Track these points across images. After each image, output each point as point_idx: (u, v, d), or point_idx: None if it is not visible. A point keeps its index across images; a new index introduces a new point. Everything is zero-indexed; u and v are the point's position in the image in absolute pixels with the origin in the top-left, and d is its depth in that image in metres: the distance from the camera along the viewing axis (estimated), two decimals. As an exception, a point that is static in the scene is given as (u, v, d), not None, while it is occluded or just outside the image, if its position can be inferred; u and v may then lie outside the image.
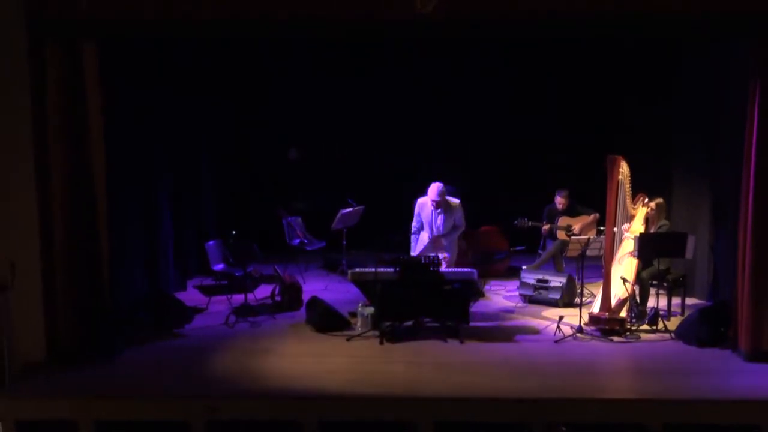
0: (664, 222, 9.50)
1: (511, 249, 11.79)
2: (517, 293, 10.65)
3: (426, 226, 9.71)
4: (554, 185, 11.19)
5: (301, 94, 12.85)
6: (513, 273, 11.57)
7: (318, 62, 12.54)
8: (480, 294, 10.58)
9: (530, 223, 10.97)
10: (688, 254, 9.22)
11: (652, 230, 9.37)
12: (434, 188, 9.63)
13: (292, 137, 12.99)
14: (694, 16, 7.76)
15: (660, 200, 9.50)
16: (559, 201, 11.03)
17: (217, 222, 12.08)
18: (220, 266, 10.44)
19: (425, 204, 9.73)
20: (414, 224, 9.78)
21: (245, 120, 13.05)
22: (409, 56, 12.12)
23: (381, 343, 8.71)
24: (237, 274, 10.28)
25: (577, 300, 9.66)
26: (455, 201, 9.78)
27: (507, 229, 11.62)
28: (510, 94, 12.83)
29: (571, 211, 11.03)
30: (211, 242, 10.54)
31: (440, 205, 9.62)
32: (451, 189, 10.93)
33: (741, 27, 7.82)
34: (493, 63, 12.41)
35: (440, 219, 9.64)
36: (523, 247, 11.56)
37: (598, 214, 10.74)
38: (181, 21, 7.89)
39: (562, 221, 10.96)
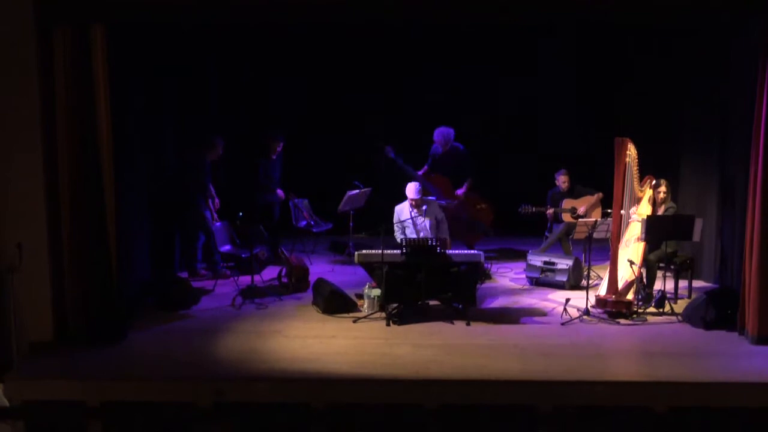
0: (671, 205, 9.48)
1: (485, 231, 11.68)
2: (523, 276, 10.65)
3: (409, 233, 9.64)
4: (557, 168, 11.15)
5: (303, 78, 12.84)
6: (519, 255, 11.56)
7: (319, 47, 12.53)
8: (487, 276, 10.60)
9: (534, 209, 10.94)
10: (696, 237, 9.22)
11: (659, 213, 9.34)
12: (412, 187, 9.65)
13: (297, 121, 12.96)
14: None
15: (665, 183, 9.47)
16: (562, 180, 10.98)
17: (225, 204, 12.04)
18: (227, 247, 10.46)
19: (403, 210, 9.70)
20: (397, 236, 9.67)
21: (252, 103, 13.02)
22: (410, 38, 12.09)
23: (388, 325, 8.72)
24: (243, 255, 10.30)
25: (584, 282, 9.64)
26: (429, 198, 9.80)
27: (499, 213, 11.62)
28: (514, 76, 12.77)
29: (573, 193, 11.00)
30: (218, 223, 10.55)
31: (419, 203, 9.58)
32: (459, 146, 11.00)
33: (752, 6, 7.78)
34: (495, 44, 12.33)
35: (422, 222, 9.61)
36: (494, 255, 11.59)
37: (601, 194, 10.73)
38: (189, 5, 7.91)
39: (567, 204, 10.93)
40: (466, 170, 11.48)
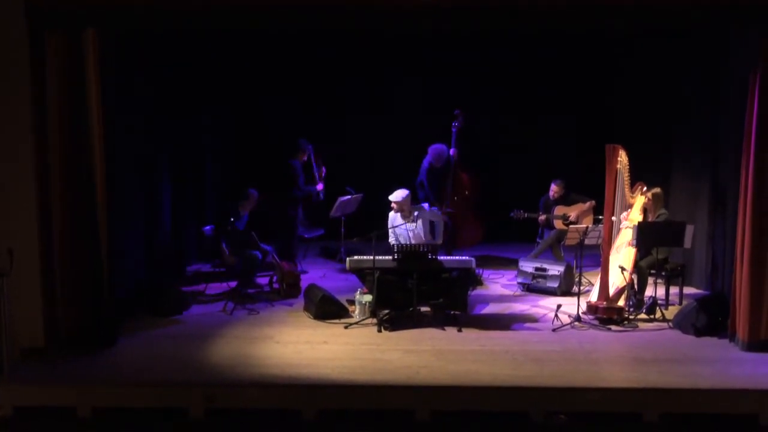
0: (662, 211, 9.50)
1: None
2: (515, 282, 10.66)
3: (403, 240, 9.58)
4: (551, 175, 11.18)
5: (299, 86, 12.92)
6: (511, 262, 11.58)
7: (315, 55, 12.62)
8: (478, 282, 10.61)
9: (526, 214, 10.96)
10: (687, 243, 9.24)
11: (650, 219, 9.36)
12: (397, 193, 9.66)
13: (291, 127, 13.02)
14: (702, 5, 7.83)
15: (658, 190, 9.49)
16: (554, 189, 11.03)
17: (216, 209, 12.05)
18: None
19: (397, 216, 9.68)
20: (391, 240, 9.63)
21: (246, 109, 13.07)
22: (405, 47, 12.14)
23: (379, 330, 8.73)
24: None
25: (575, 289, 9.66)
26: (421, 206, 9.81)
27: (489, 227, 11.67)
28: (506, 81, 12.85)
29: (567, 200, 11.03)
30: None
31: (400, 207, 9.56)
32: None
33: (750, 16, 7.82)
34: (490, 49, 12.37)
35: (413, 228, 9.57)
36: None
37: (594, 202, 10.76)
38: (179, 10, 7.91)
39: (558, 210, 10.97)
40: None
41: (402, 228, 9.59)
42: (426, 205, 9.99)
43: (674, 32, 9.97)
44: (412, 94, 12.92)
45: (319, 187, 11.44)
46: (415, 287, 8.82)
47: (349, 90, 13.01)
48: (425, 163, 11.42)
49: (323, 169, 11.59)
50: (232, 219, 10.03)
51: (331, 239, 12.21)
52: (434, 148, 11.34)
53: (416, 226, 9.62)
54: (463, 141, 11.47)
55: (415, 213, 9.72)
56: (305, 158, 11.47)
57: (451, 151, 11.28)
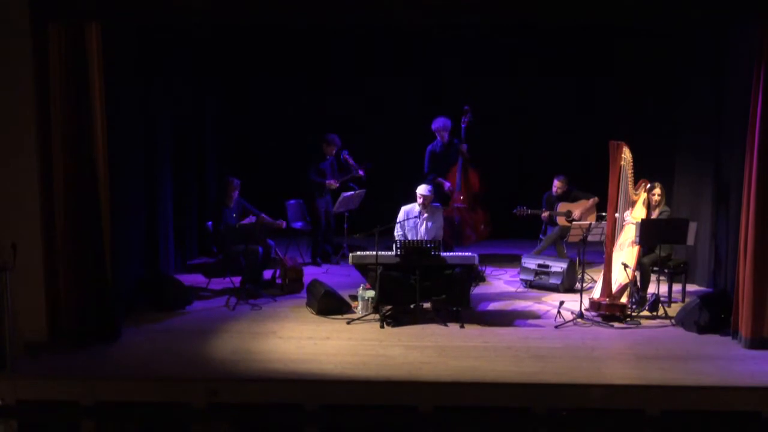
0: (665, 208, 9.49)
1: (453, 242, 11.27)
2: (518, 278, 10.65)
3: (409, 235, 9.58)
4: (554, 171, 11.17)
5: (299, 85, 12.98)
6: (513, 259, 11.57)
7: (315, 55, 12.65)
8: (481, 278, 10.60)
9: (529, 211, 10.93)
10: (690, 241, 9.22)
11: (653, 216, 9.36)
12: (425, 186, 9.64)
13: (294, 121, 13.05)
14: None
15: (660, 186, 9.48)
16: (557, 185, 10.99)
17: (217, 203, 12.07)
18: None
19: (411, 210, 9.66)
20: (396, 233, 9.62)
21: (247, 103, 13.09)
22: (405, 44, 12.17)
23: (381, 326, 8.72)
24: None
25: (578, 285, 9.66)
26: (437, 206, 9.80)
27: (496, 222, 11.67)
28: (508, 78, 12.86)
29: (570, 196, 11.00)
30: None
31: (428, 202, 9.53)
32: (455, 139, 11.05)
33: (748, 11, 7.81)
34: (489, 47, 12.40)
35: (426, 226, 9.53)
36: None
37: (597, 198, 10.74)
38: (182, 5, 7.92)
39: (562, 207, 10.95)
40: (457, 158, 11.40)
41: (412, 222, 9.56)
42: (438, 205, 9.98)
43: (676, 27, 9.97)
44: (413, 92, 12.93)
45: (329, 181, 11.50)
46: (417, 283, 8.82)
47: (350, 89, 12.99)
48: (428, 148, 11.39)
49: (360, 172, 11.62)
50: (234, 215, 10.05)
51: (334, 235, 12.19)
52: (438, 120, 11.28)
53: (425, 224, 9.59)
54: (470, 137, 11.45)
55: (426, 213, 9.67)
56: (334, 151, 11.55)
57: (464, 147, 11.23)
